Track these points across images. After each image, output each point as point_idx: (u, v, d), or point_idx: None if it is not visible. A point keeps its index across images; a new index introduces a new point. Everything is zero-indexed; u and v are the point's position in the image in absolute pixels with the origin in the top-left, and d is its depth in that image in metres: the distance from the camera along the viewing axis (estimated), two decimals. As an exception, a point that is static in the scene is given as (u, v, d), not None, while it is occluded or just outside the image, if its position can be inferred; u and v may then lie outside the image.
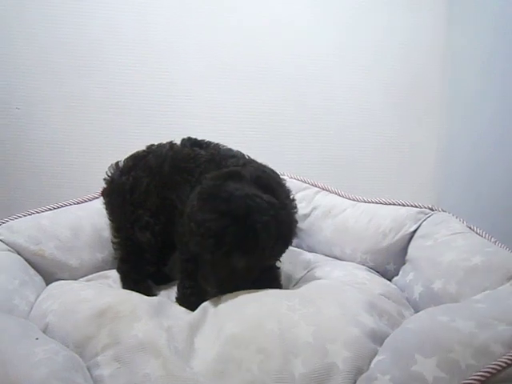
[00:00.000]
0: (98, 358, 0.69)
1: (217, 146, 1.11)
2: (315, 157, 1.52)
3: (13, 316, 0.74)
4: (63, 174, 1.48)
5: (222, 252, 0.81)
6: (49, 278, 1.07)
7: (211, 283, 0.86)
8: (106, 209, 1.16)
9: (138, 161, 1.11)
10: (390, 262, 1.12)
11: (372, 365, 0.67)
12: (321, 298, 0.82)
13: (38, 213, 1.15)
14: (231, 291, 0.85)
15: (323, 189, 1.27)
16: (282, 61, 1.50)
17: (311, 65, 1.51)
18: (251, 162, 1.03)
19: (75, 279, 1.10)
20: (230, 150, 1.10)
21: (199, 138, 1.13)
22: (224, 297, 0.88)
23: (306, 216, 1.25)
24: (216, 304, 0.86)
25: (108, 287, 1.02)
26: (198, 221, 0.82)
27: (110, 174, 1.15)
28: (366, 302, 0.82)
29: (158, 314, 0.79)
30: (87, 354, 0.72)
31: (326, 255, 1.21)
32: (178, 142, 1.13)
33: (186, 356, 0.72)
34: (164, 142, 1.14)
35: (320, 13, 1.48)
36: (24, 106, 1.42)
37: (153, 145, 1.14)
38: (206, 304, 0.87)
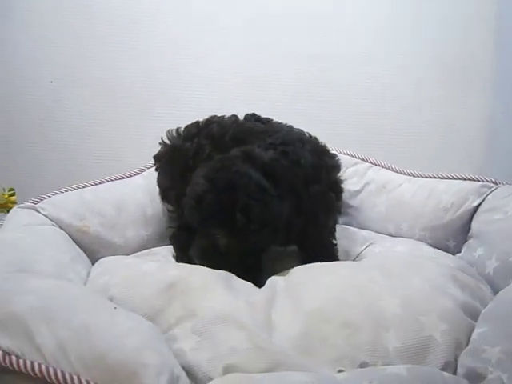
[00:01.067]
0: (174, 330, 0.64)
1: (276, 123, 1.08)
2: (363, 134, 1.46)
3: (81, 286, 0.68)
4: (100, 151, 1.42)
5: (201, 218, 0.81)
6: (91, 257, 1.01)
7: (193, 253, 0.86)
8: (160, 175, 1.13)
9: (201, 129, 1.08)
10: (449, 238, 1.06)
11: (475, 337, 0.62)
12: (400, 271, 0.76)
13: (80, 188, 1.10)
14: (214, 267, 0.80)
15: (375, 164, 1.22)
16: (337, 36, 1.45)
17: (360, 41, 1.46)
18: (294, 142, 0.95)
19: (119, 257, 1.05)
20: (289, 127, 1.05)
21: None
22: (293, 270, 0.83)
23: (358, 192, 1.20)
24: (286, 278, 0.81)
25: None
26: (191, 183, 0.85)
27: (168, 140, 1.11)
28: (448, 275, 0.77)
29: (228, 287, 0.74)
30: (159, 327, 0.66)
31: (379, 233, 1.15)
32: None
33: (267, 330, 0.66)
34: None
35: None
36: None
37: (214, 116, 1.11)
38: (273, 278, 0.82)
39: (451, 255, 0.98)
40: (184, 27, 1.42)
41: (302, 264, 0.95)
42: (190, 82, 1.45)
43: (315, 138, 1.02)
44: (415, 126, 1.49)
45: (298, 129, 1.04)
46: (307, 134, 1.02)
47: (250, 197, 0.79)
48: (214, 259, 0.83)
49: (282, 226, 0.84)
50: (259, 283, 0.87)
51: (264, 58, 1.45)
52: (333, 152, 1.04)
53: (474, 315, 0.70)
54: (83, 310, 0.55)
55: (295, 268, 0.84)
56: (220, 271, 0.79)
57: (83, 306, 0.56)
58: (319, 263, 0.82)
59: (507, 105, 1.45)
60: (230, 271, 0.80)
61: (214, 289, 0.70)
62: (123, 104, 1.42)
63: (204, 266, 0.83)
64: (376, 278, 0.73)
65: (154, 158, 1.15)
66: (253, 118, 1.09)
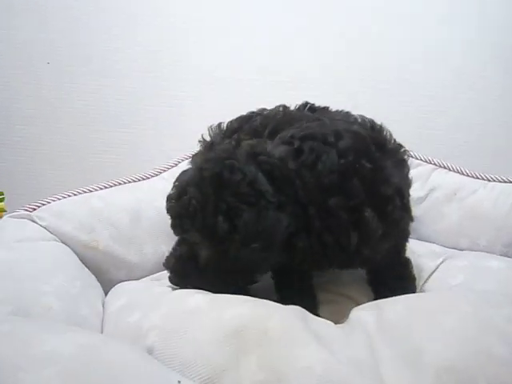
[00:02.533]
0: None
1: (330, 111, 0.88)
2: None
3: (125, 343, 0.47)
4: (109, 147, 1.20)
5: (177, 216, 0.66)
6: (98, 278, 0.81)
7: (165, 263, 0.71)
8: None
9: (243, 123, 0.89)
10: (538, 255, 0.89)
11: None
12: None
13: (87, 192, 0.88)
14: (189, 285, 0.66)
15: (440, 166, 1.03)
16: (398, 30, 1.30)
17: (422, 31, 1.31)
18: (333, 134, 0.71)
19: (134, 279, 0.84)
20: (345, 114, 0.85)
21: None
22: (383, 303, 0.63)
23: (422, 199, 1.01)
24: (376, 313, 0.61)
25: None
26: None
27: (210, 137, 0.92)
28: None
29: (312, 332, 0.53)
30: (226, 395, 0.45)
31: (448, 248, 0.97)
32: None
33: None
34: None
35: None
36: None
37: (265, 109, 0.92)
38: (357, 313, 0.62)
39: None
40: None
41: (370, 284, 0.81)
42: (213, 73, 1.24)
43: (380, 127, 0.79)
44: (477, 124, 1.32)
45: (362, 117, 0.82)
46: (367, 124, 0.79)
47: (239, 198, 0.61)
48: (189, 275, 0.67)
49: (279, 243, 0.63)
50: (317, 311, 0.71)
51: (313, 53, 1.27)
52: (397, 144, 0.80)
53: None
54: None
55: (384, 300, 0.64)
56: (293, 307, 0.59)
57: (135, 381, 0.35)
58: (420, 295, 0.63)
59: None
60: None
61: (303, 338, 0.49)
62: (138, 94, 1.21)
63: (176, 283, 0.68)
64: (514, 316, 0.54)
65: (192, 157, 0.96)
66: (303, 106, 0.90)
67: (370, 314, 0.61)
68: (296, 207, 0.64)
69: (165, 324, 0.54)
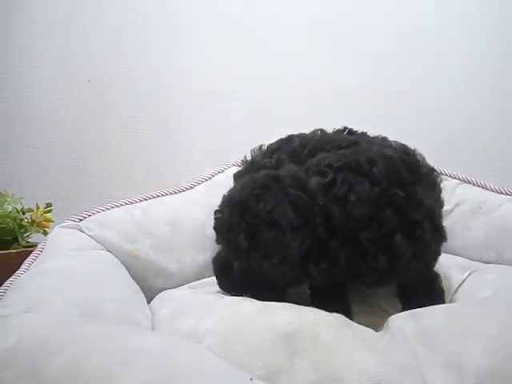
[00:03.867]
0: (311, 402, 0.47)
1: (367, 135, 0.92)
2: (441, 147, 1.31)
3: (195, 345, 0.50)
4: (147, 159, 1.24)
5: (215, 231, 0.78)
6: (139, 285, 0.84)
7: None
8: None
9: (283, 144, 0.95)
10: (562, 269, 0.91)
11: None
12: None
13: (128, 204, 0.92)
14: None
15: (465, 181, 1.06)
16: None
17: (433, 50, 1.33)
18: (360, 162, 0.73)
19: (172, 287, 0.88)
20: (382, 139, 0.87)
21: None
22: (419, 312, 0.66)
23: (447, 213, 1.02)
24: (413, 322, 0.63)
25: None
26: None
27: (252, 157, 1.00)
28: None
29: (362, 339, 0.56)
30: (281, 394, 0.49)
31: (474, 260, 0.99)
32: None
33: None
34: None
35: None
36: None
37: (304, 133, 0.97)
38: (394, 320, 0.65)
39: None
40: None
41: (399, 297, 0.83)
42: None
43: (413, 152, 0.80)
44: (498, 138, 1.34)
45: (396, 142, 0.84)
46: (400, 149, 0.80)
47: (259, 221, 0.68)
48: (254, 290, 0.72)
49: (295, 260, 0.67)
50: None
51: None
52: (431, 168, 0.82)
53: None
54: (218, 385, 0.37)
55: (420, 310, 0.66)
56: (337, 315, 0.62)
57: (213, 379, 0.38)
58: (454, 305, 0.66)
59: None
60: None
61: (353, 344, 0.53)
62: (173, 110, 1.25)
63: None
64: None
65: (234, 175, 1.02)
66: (343, 131, 0.94)
67: (407, 323, 0.64)
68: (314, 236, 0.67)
69: (219, 328, 0.57)
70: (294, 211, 0.66)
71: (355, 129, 0.95)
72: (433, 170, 0.83)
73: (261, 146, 0.99)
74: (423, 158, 0.81)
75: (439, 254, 0.82)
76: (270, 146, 0.97)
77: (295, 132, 0.97)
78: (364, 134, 0.92)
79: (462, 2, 1.34)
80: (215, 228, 0.77)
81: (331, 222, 0.66)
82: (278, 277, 0.68)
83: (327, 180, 0.68)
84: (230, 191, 0.77)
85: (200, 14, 1.28)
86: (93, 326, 0.45)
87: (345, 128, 0.94)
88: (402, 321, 0.65)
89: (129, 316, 0.61)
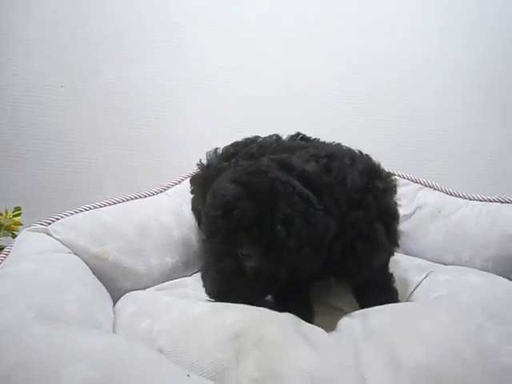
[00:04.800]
0: (252, 398, 0.50)
1: (323, 142, 0.95)
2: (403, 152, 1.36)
3: (136, 342, 0.53)
4: (116, 165, 1.27)
5: (227, 231, 0.67)
6: (107, 287, 0.86)
7: (207, 284, 0.72)
8: (194, 198, 1.00)
9: (239, 148, 0.97)
10: (513, 270, 0.95)
11: None
12: (508, 312, 0.64)
13: (97, 207, 0.94)
14: (231, 301, 0.67)
15: (426, 185, 1.10)
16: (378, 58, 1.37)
17: (404, 61, 1.37)
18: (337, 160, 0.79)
19: (140, 288, 0.90)
20: (338, 144, 0.91)
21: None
22: (368, 312, 0.70)
23: (408, 217, 1.07)
24: (361, 321, 0.67)
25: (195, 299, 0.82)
26: (213, 189, 0.71)
27: (207, 160, 1.01)
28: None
29: (304, 337, 0.60)
30: (227, 391, 0.52)
31: (432, 262, 1.04)
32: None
33: (367, 395, 0.52)
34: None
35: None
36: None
37: (258, 136, 1.00)
38: (345, 321, 0.69)
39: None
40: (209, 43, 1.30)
41: (357, 298, 0.87)
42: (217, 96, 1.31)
43: (367, 156, 0.87)
44: (462, 146, 1.39)
45: (348, 147, 0.89)
46: (358, 153, 0.87)
47: (292, 207, 0.65)
48: (234, 288, 0.70)
49: (325, 247, 0.70)
50: (311, 321, 0.76)
51: (302, 76, 1.34)
52: (388, 172, 0.89)
53: None
54: (154, 382, 0.40)
55: (370, 309, 0.71)
56: (286, 315, 0.65)
57: (152, 375, 0.41)
58: (402, 304, 0.69)
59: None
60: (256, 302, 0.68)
61: (295, 342, 0.56)
62: (144, 117, 1.28)
63: (221, 297, 0.70)
64: (485, 324, 0.60)
65: (190, 180, 1.04)
66: (296, 136, 0.98)
67: (356, 322, 0.68)
68: (337, 214, 0.71)
69: (173, 328, 0.60)
70: (313, 191, 0.69)
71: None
72: (391, 174, 0.89)
73: (216, 150, 1.01)
74: (379, 163, 0.86)
75: (393, 254, 0.87)
76: (227, 150, 0.99)
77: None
78: (318, 141, 0.96)
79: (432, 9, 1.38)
80: (229, 230, 0.67)
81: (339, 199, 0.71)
82: (307, 265, 0.69)
83: (322, 164, 0.74)
84: (224, 187, 0.69)
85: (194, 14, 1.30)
86: (43, 327, 0.47)
87: (298, 133, 0.97)
88: (352, 320, 0.69)
89: (89, 317, 0.64)
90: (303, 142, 0.94)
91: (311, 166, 0.73)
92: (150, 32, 1.27)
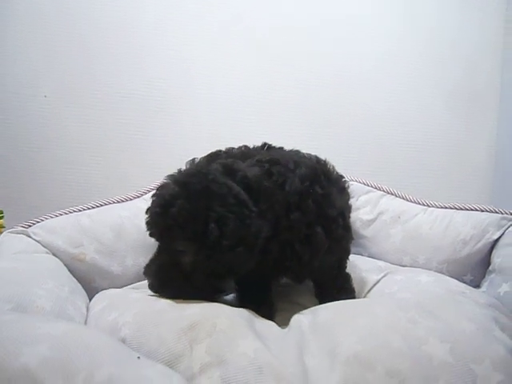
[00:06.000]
0: (201, 380, 0.56)
1: (283, 149, 1.01)
2: (372, 160, 1.42)
3: (96, 329, 0.59)
4: (97, 171, 1.33)
5: (165, 228, 0.71)
6: (85, 287, 0.92)
7: (148, 272, 0.77)
8: None
9: (211, 158, 1.02)
10: (467, 272, 1.03)
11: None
12: (439, 309, 0.70)
13: (76, 211, 1.01)
14: (170, 294, 0.74)
15: (388, 192, 1.17)
16: (339, 62, 1.42)
17: (367, 67, 1.43)
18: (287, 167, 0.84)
19: (116, 288, 0.96)
20: (296, 151, 0.97)
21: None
22: (317, 309, 0.76)
23: (371, 222, 1.14)
24: (311, 317, 0.74)
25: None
26: (157, 188, 0.77)
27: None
28: (490, 316, 0.71)
29: (254, 329, 0.66)
30: (180, 375, 0.58)
31: (393, 264, 1.10)
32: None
33: (304, 380, 0.59)
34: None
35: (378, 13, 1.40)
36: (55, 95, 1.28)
37: (232, 148, 1.06)
38: (297, 317, 0.75)
39: (479, 291, 0.92)
40: (197, 48, 1.37)
41: (316, 296, 0.93)
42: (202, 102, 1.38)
43: (318, 161, 0.91)
44: (423, 152, 1.46)
45: (308, 154, 0.95)
46: (314, 159, 0.92)
47: (226, 208, 0.70)
48: (173, 281, 0.75)
49: (258, 248, 0.74)
50: (272, 317, 0.82)
51: (271, 86, 1.40)
52: (339, 174, 0.94)
53: (522, 362, 0.64)
54: (106, 362, 0.46)
55: (320, 306, 0.77)
56: (242, 310, 0.72)
57: (105, 356, 0.47)
58: (347, 301, 0.76)
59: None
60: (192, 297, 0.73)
61: (243, 332, 0.62)
62: (129, 125, 1.34)
63: (159, 290, 0.76)
64: (416, 318, 0.67)
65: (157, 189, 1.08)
66: (263, 147, 1.03)
67: (306, 317, 0.74)
68: (270, 217, 0.76)
69: (135, 320, 0.66)
70: (250, 194, 0.74)
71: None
72: (342, 176, 0.95)
73: (193, 159, 1.03)
74: (333, 166, 0.92)
75: (349, 252, 0.94)
76: (201, 160, 1.03)
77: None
78: (280, 148, 1.02)
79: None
80: (165, 226, 0.72)
81: (278, 202, 0.76)
82: (240, 265, 0.72)
83: (266, 169, 0.80)
84: (166, 186, 0.75)
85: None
86: (11, 316, 0.53)
87: (265, 144, 1.03)
88: (303, 316, 0.75)
89: (60, 312, 0.69)
90: (265, 151, 1.00)
91: (253, 171, 0.79)
92: (139, 42, 1.33)
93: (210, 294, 0.78)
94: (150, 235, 0.77)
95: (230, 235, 0.69)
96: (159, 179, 1.14)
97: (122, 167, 1.36)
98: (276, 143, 1.05)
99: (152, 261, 0.79)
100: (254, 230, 0.71)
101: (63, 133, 1.29)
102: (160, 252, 0.77)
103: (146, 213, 0.76)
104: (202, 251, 0.70)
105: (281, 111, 1.40)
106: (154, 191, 1.13)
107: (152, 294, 0.79)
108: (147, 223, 0.76)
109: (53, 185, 1.30)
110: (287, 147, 1.01)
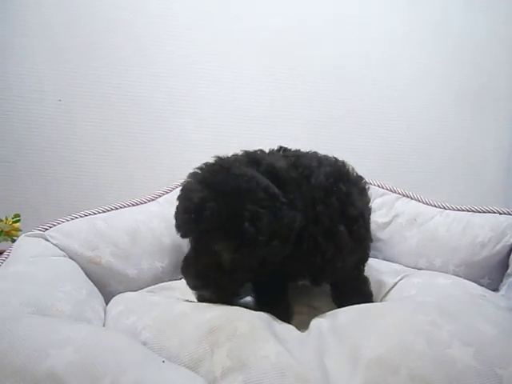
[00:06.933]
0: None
1: (301, 151, 0.99)
2: (379, 161, 1.41)
3: (118, 332, 0.59)
4: (111, 174, 1.33)
5: (200, 232, 0.71)
6: (101, 290, 0.92)
7: (188, 278, 0.75)
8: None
9: (224, 162, 1.00)
10: (484, 275, 1.01)
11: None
12: (460, 312, 0.69)
13: (91, 214, 1.01)
14: (212, 292, 0.74)
15: (404, 195, 1.16)
16: (353, 64, 1.41)
17: (381, 68, 1.42)
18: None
19: (132, 291, 0.96)
20: (314, 152, 0.96)
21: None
22: (337, 312, 0.76)
23: (387, 224, 1.13)
24: (330, 320, 0.73)
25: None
26: (181, 190, 0.75)
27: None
28: (510, 319, 0.70)
29: (274, 332, 0.65)
30: (202, 379, 0.57)
31: (409, 267, 1.09)
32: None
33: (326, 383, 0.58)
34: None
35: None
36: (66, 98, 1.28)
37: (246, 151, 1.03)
38: (316, 320, 0.75)
39: (498, 294, 0.91)
40: (202, 51, 1.36)
41: (333, 299, 0.92)
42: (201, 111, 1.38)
43: (338, 161, 0.91)
44: (436, 156, 1.45)
45: (325, 155, 0.94)
46: (333, 159, 0.92)
47: (258, 204, 0.69)
48: (214, 279, 0.74)
49: (293, 239, 0.74)
50: (289, 320, 0.81)
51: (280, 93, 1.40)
52: (359, 175, 0.93)
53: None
54: (131, 365, 0.46)
55: (339, 310, 0.76)
56: (260, 313, 0.71)
57: (130, 359, 0.47)
58: (366, 304, 0.75)
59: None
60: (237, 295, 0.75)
61: (264, 336, 0.62)
62: (136, 127, 1.34)
63: (202, 289, 0.75)
64: (438, 322, 0.66)
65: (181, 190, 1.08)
66: (278, 150, 0.99)
67: (325, 321, 0.74)
68: (302, 207, 0.75)
69: (156, 324, 0.66)
70: (278, 185, 0.73)
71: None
72: (361, 177, 0.94)
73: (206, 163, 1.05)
74: (353, 168, 0.92)
75: (368, 254, 0.93)
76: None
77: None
78: (298, 151, 1.01)
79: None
80: (201, 230, 0.71)
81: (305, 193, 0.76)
82: (277, 255, 0.72)
83: (291, 162, 0.80)
84: (194, 191, 0.73)
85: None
86: (35, 319, 0.53)
87: (280, 147, 1.02)
88: (322, 319, 0.75)
89: (79, 315, 0.69)
90: (282, 154, 0.99)
91: (279, 162, 0.79)
92: (146, 41, 1.33)
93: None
94: (183, 237, 0.76)
95: (265, 230, 0.68)
96: (167, 181, 1.17)
97: (128, 168, 1.37)
98: (285, 144, 1.04)
99: (189, 261, 0.78)
100: (286, 221, 0.71)
101: (77, 137, 1.30)
102: (196, 252, 0.76)
103: (176, 216, 0.76)
104: (240, 249, 0.70)
105: (288, 112, 1.39)
106: (166, 194, 1.17)
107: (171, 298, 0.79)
108: (178, 227, 0.75)
109: (68, 189, 1.31)
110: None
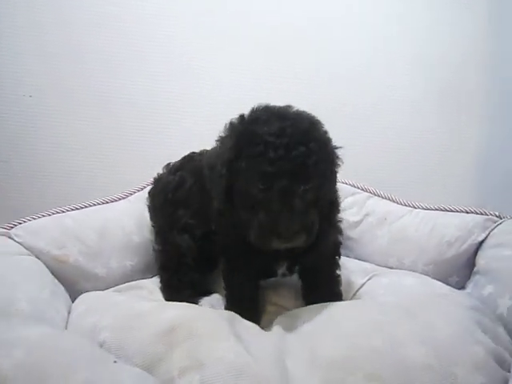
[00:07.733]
0: (180, 383, 0.55)
1: None
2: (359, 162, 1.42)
3: (73, 333, 0.59)
4: (81, 172, 1.31)
5: (278, 172, 0.67)
6: (69, 289, 0.91)
7: (265, 231, 0.68)
8: (149, 211, 1.06)
9: (186, 161, 1.03)
10: (452, 274, 1.02)
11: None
12: (421, 312, 0.70)
13: (60, 212, 0.99)
14: (293, 242, 0.68)
15: (375, 194, 1.17)
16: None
17: (356, 64, 1.42)
18: None
19: (100, 290, 0.95)
20: None
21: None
22: (301, 311, 0.76)
23: (358, 223, 1.14)
24: (294, 320, 0.73)
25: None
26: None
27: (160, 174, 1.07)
28: (471, 318, 0.71)
29: (235, 332, 0.66)
30: (159, 378, 0.57)
31: (379, 266, 1.10)
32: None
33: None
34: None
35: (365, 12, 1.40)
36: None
37: (206, 149, 1.03)
38: (280, 319, 0.75)
39: (463, 292, 0.93)
40: (199, 48, 1.36)
41: (303, 296, 0.91)
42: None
43: None
44: (411, 153, 1.47)
45: None
46: None
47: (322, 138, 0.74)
48: (292, 225, 0.67)
49: None
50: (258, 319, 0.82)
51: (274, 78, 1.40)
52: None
53: (502, 364, 0.64)
54: (82, 367, 0.46)
55: (302, 309, 0.77)
56: (223, 312, 0.71)
57: (81, 360, 0.47)
58: (329, 304, 0.75)
59: (503, 133, 1.45)
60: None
61: (223, 336, 0.62)
62: (121, 124, 1.33)
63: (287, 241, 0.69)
64: (397, 322, 0.67)
65: (148, 193, 1.08)
66: None
67: (288, 321, 0.74)
68: None
69: (115, 323, 0.66)
70: None
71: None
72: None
73: (169, 164, 1.06)
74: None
75: (339, 246, 0.93)
76: (175, 164, 1.04)
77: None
78: None
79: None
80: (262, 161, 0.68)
81: None
82: None
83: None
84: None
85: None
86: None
87: None
88: (285, 319, 0.75)
89: (40, 315, 0.68)
90: None
91: None
92: (138, 38, 1.32)
93: None
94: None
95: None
96: (146, 181, 1.16)
97: (121, 168, 1.35)
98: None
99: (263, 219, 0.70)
100: None
101: (45, 134, 1.28)
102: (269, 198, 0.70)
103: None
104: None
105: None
106: (137, 192, 1.15)
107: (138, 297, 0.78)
108: (257, 168, 0.70)
109: (36, 186, 1.29)
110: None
